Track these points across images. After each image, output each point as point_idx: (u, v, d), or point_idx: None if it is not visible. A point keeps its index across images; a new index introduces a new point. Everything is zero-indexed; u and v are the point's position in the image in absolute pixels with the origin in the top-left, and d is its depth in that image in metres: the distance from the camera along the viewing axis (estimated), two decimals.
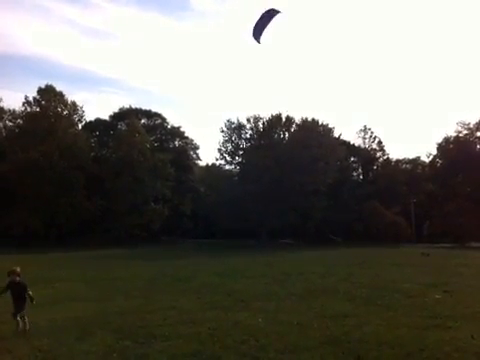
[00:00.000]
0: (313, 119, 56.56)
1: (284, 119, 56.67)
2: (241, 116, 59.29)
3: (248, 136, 57.53)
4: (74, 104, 52.91)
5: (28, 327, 8.19)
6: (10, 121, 52.25)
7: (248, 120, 56.99)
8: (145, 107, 66.02)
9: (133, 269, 21.61)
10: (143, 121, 64.23)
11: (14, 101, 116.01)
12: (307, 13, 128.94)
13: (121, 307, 10.87)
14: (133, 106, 64.67)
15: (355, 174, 66.34)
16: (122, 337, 7.83)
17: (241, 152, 57.91)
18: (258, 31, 8.02)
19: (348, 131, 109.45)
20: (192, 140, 69.47)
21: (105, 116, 62.99)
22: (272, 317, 9.55)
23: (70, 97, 53.50)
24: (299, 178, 50.34)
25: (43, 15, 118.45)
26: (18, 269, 8.40)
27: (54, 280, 16.60)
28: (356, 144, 64.50)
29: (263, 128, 56.63)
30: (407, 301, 11.68)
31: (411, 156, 67.61)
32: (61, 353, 6.96)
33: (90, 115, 75.01)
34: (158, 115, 66.23)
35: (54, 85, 51.87)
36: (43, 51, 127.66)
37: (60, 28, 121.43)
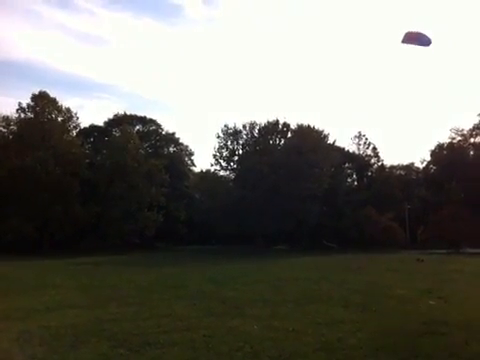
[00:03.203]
0: (308, 125, 56.74)
1: (281, 125, 56.78)
2: (237, 122, 59.18)
3: (244, 142, 57.58)
4: (68, 110, 52.76)
5: None
6: (4, 127, 51.97)
7: (244, 126, 57.12)
8: (140, 113, 66.03)
9: (127, 276, 21.47)
10: (138, 127, 64.14)
11: (7, 107, 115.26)
12: (303, 19, 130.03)
13: (115, 314, 10.80)
14: (128, 112, 64.70)
15: (350, 180, 66.49)
16: (116, 345, 7.79)
17: (236, 158, 57.94)
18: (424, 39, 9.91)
19: (343, 137, 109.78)
20: (187, 146, 69.73)
21: (100, 122, 62.95)
22: (267, 324, 9.54)
23: (64, 103, 53.32)
24: (294, 184, 50.34)
25: (36, 20, 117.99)
26: None
27: (48, 287, 16.48)
28: (351, 150, 64.75)
29: (259, 134, 56.72)
30: (402, 307, 11.70)
31: (405, 162, 68.06)
32: None
33: (85, 121, 74.84)
34: (153, 121, 66.12)
35: (48, 91, 51.66)
36: (36, 57, 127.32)
37: (53, 33, 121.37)
